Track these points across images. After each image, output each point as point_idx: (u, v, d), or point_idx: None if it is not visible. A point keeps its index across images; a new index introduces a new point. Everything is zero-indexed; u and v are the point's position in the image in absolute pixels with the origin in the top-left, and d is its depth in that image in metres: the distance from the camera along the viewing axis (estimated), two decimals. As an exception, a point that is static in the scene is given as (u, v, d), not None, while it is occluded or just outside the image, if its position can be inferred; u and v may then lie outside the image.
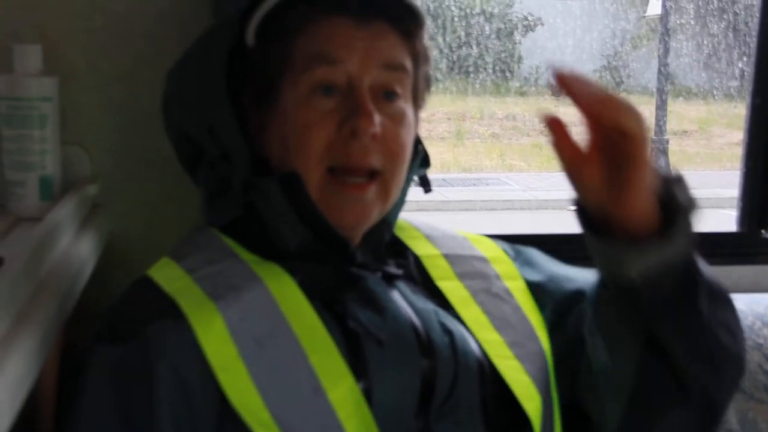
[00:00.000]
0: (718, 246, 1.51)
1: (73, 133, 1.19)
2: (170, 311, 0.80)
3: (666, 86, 6.71)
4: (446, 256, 0.98)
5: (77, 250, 1.02)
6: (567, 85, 0.75)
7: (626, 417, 0.88)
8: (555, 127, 0.78)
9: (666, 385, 0.86)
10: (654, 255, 0.79)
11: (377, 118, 0.84)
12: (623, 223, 0.79)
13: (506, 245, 1.05)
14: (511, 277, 1.00)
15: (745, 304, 1.37)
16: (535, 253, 1.04)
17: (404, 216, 1.00)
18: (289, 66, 0.86)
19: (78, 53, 1.19)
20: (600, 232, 0.81)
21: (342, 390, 0.79)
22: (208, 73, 0.87)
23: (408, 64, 0.89)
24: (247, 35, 0.88)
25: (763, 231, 1.53)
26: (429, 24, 0.93)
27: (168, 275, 0.85)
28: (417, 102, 0.93)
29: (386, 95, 0.87)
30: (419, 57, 0.91)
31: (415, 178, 0.97)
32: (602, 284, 0.88)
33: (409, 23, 0.89)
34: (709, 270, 0.86)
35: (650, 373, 0.86)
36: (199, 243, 0.90)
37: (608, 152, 0.78)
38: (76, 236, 1.06)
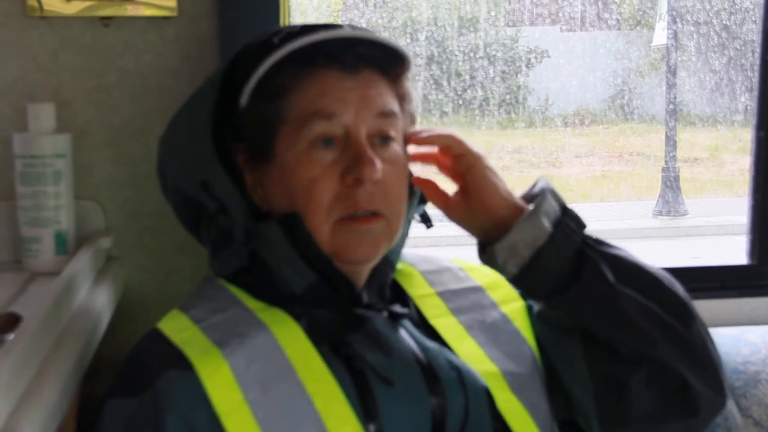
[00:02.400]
0: (729, 279, 1.52)
1: (87, 188, 1.22)
2: (178, 362, 0.81)
3: (671, 121, 6.74)
4: (440, 294, 1.00)
5: (93, 303, 1.04)
6: (416, 138, 0.94)
7: (602, 410, 0.93)
8: (426, 185, 0.96)
9: (615, 364, 0.92)
10: (516, 239, 0.91)
11: (378, 163, 0.87)
12: (497, 229, 0.92)
13: None
14: (509, 300, 1.01)
15: (758, 336, 1.37)
16: None
17: (405, 251, 1.01)
18: (284, 123, 0.89)
19: (91, 110, 1.22)
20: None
21: None
22: (197, 131, 0.89)
23: (396, 107, 0.92)
24: (241, 97, 0.89)
25: (773, 262, 1.54)
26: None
27: (176, 326, 0.87)
28: (405, 141, 0.95)
29: (381, 140, 0.90)
30: (404, 98, 0.95)
31: (416, 216, 1.00)
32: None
33: (396, 68, 0.93)
34: (617, 249, 0.95)
35: (597, 358, 0.93)
36: (206, 293, 0.92)
37: (461, 177, 0.96)
38: (92, 290, 1.08)
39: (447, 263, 1.05)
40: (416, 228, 1.00)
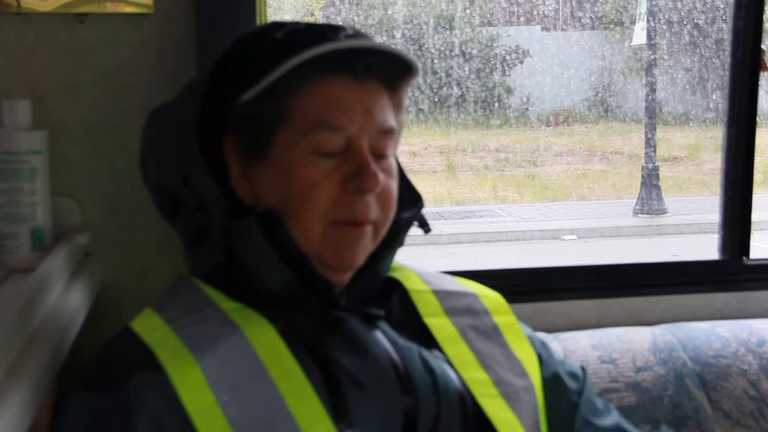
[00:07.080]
0: (701, 274, 1.54)
1: (63, 185, 1.22)
2: (149, 362, 0.81)
3: (650, 120, 6.78)
4: (435, 292, 1.00)
5: (69, 299, 1.04)
6: None
7: None
8: None
9: None
10: None
11: (381, 176, 0.87)
12: None
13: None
14: (501, 312, 1.02)
15: (729, 331, 1.39)
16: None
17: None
18: (285, 123, 0.87)
19: (67, 107, 1.22)
20: None
21: None
22: (182, 128, 0.89)
23: (395, 122, 0.91)
24: (244, 93, 0.86)
25: (744, 258, 1.56)
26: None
27: (148, 326, 0.87)
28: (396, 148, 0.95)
29: (378, 156, 0.90)
30: (400, 107, 0.94)
31: (415, 222, 0.99)
32: None
33: (401, 79, 0.91)
34: None
35: None
36: (180, 293, 0.92)
37: None
38: (68, 286, 1.08)
39: (440, 274, 1.06)
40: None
